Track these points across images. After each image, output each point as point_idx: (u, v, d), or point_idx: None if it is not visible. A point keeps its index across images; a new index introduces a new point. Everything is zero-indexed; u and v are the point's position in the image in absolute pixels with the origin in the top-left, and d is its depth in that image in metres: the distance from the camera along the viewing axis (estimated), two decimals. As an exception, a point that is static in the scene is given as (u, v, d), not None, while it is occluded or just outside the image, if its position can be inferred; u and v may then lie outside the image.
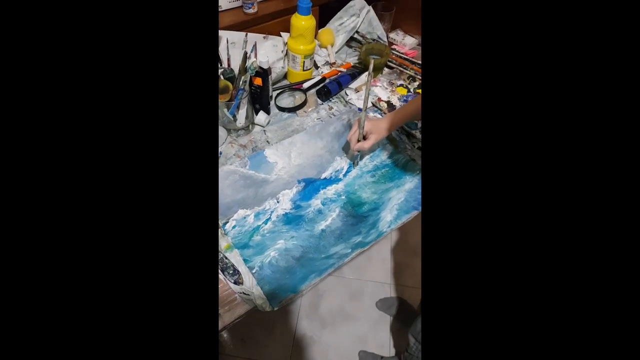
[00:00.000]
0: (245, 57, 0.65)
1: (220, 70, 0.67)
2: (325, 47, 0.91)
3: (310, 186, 0.66)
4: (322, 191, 0.65)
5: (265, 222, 0.60)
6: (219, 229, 0.59)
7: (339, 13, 0.93)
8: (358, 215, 0.63)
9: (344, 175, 0.68)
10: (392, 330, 1.16)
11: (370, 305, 1.20)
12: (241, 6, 0.78)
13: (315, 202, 0.64)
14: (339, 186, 0.66)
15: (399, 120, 0.65)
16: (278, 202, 0.63)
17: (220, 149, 0.71)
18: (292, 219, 0.61)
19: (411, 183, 0.67)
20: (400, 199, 0.65)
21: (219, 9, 0.77)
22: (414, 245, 1.37)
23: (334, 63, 0.89)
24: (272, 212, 0.62)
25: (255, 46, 0.68)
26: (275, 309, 0.51)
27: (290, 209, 0.62)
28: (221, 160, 0.69)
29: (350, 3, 0.92)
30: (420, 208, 0.64)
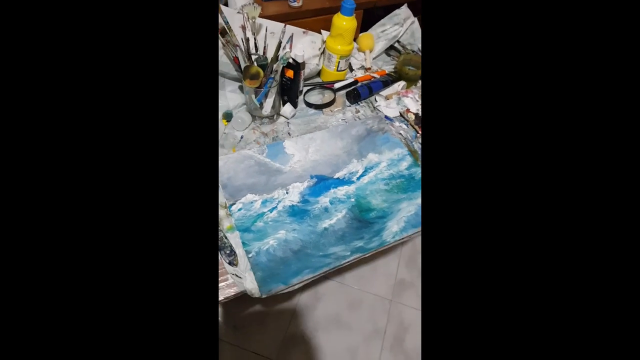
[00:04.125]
0: (278, 46, 0.66)
1: (254, 57, 0.69)
2: (363, 52, 0.90)
3: (322, 183, 0.66)
4: (332, 190, 0.65)
5: (271, 211, 0.61)
6: (225, 209, 0.60)
7: (383, 20, 0.93)
8: (364, 220, 0.62)
9: (358, 178, 0.68)
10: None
11: (366, 318, 1.17)
12: (287, -1, 0.80)
13: (324, 200, 0.63)
14: (351, 188, 0.66)
15: None
16: (287, 193, 0.63)
17: (242, 133, 0.72)
18: (297, 212, 0.61)
19: (425, 198, 0.66)
20: (410, 212, 0.63)
21: (266, -1, 0.79)
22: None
23: (369, 68, 0.89)
24: (279, 201, 0.62)
25: (291, 38, 0.69)
26: (264, 296, 0.51)
27: (298, 202, 0.62)
28: (240, 144, 0.71)
29: (396, 11, 0.92)
30: (429, 224, 0.62)
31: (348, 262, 0.57)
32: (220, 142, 0.70)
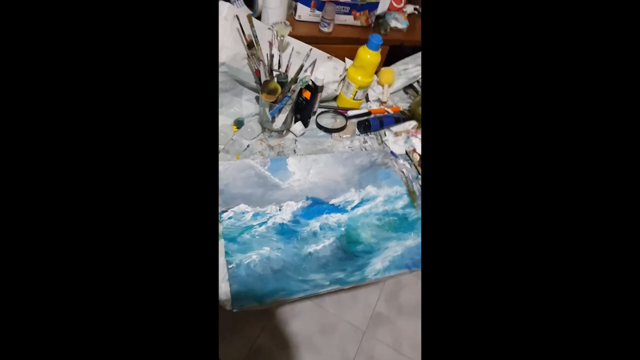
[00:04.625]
0: (300, 69, 0.68)
1: (275, 73, 0.71)
2: (382, 85, 0.92)
3: (316, 207, 0.66)
4: (325, 215, 0.65)
5: (260, 225, 0.61)
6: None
7: (407, 58, 0.95)
8: (349, 252, 0.62)
9: (352, 208, 0.68)
10: None
11: (337, 345, 1.16)
12: (319, 22, 0.82)
13: (314, 224, 0.64)
14: (343, 217, 0.66)
15: None
16: (280, 210, 0.64)
17: (249, 142, 0.74)
18: (286, 231, 0.61)
19: (413, 241, 0.66)
20: (396, 252, 0.63)
21: (298, 19, 0.81)
22: (404, 305, 1.31)
23: (385, 102, 0.90)
24: (270, 217, 0.63)
25: (314, 63, 0.71)
26: (235, 310, 0.51)
27: (289, 221, 0.63)
28: (245, 152, 0.72)
29: (420, 53, 0.94)
30: (412, 268, 0.62)
31: (325, 291, 0.57)
32: (226, 147, 0.71)
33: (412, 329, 1.24)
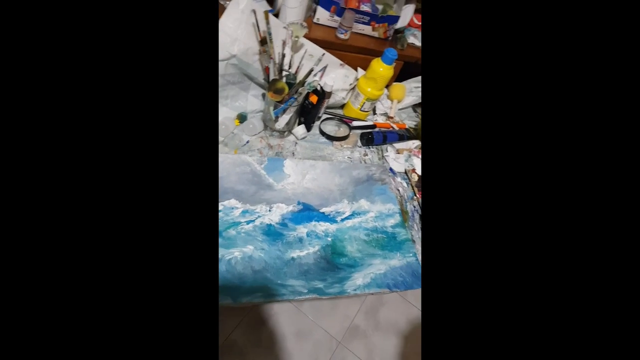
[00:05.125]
0: (309, 73, 0.67)
1: (285, 73, 0.70)
2: (392, 100, 0.92)
3: (306, 213, 0.66)
4: (313, 222, 0.65)
5: (248, 222, 0.61)
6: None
7: (419, 77, 0.95)
8: (332, 263, 0.61)
9: (342, 220, 0.68)
10: None
11: (309, 351, 1.15)
12: (336, 28, 0.82)
13: (302, 230, 0.63)
14: (332, 227, 0.66)
15: None
16: (270, 210, 0.63)
17: (249, 138, 0.73)
18: (272, 233, 0.61)
19: (399, 261, 0.65)
20: (380, 270, 0.63)
21: (317, 21, 0.81)
22: (382, 321, 1.30)
23: (392, 118, 0.90)
24: (259, 216, 0.62)
25: (324, 69, 0.70)
26: (208, 305, 0.51)
27: (276, 223, 0.62)
28: (244, 148, 0.71)
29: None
30: (393, 289, 0.61)
31: (302, 299, 0.56)
32: (226, 140, 0.71)
33: (387, 345, 1.23)
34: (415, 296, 1.39)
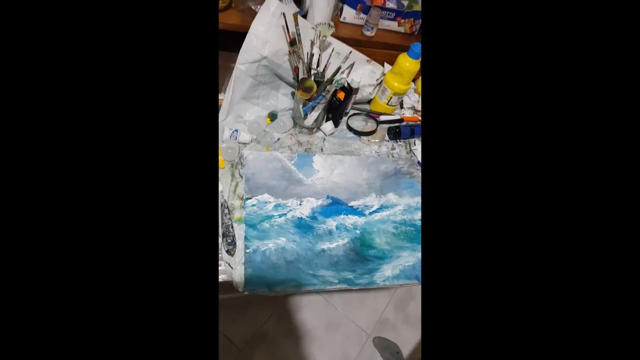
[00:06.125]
0: (337, 71, 0.69)
1: (313, 72, 0.73)
2: (419, 94, 0.92)
3: (335, 206, 0.68)
4: (342, 216, 0.67)
5: (280, 216, 0.64)
6: (241, 201, 0.63)
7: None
8: (361, 255, 0.63)
9: (371, 213, 0.69)
10: None
11: (339, 343, 1.18)
12: (362, 25, 0.83)
13: (331, 223, 0.66)
14: (360, 220, 0.67)
15: None
16: (300, 204, 0.66)
17: (280, 135, 0.76)
18: (303, 226, 0.64)
19: (427, 254, 0.66)
20: (408, 262, 0.64)
21: (343, 20, 0.82)
22: (410, 313, 1.31)
23: (419, 111, 0.90)
24: (290, 210, 0.65)
25: (352, 66, 0.72)
26: (246, 293, 0.54)
27: (307, 217, 0.65)
28: (275, 145, 0.75)
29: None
30: (421, 281, 0.62)
31: (333, 289, 0.59)
32: (258, 137, 0.74)
33: (416, 339, 1.24)
34: (445, 291, 1.38)
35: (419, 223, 0.70)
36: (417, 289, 1.37)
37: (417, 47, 0.76)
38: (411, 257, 0.65)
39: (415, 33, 0.87)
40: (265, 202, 0.65)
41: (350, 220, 0.67)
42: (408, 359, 1.17)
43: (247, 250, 0.58)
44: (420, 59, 0.77)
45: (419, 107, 0.90)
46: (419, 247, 0.67)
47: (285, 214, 0.64)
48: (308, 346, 1.15)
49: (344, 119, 0.83)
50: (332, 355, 1.15)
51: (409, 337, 1.25)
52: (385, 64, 0.86)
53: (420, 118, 0.88)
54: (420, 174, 0.78)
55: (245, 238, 0.59)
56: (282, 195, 0.67)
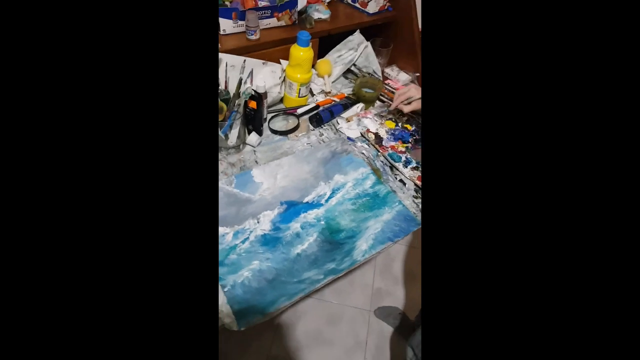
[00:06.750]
0: (240, 83, 0.68)
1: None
2: (322, 77, 0.95)
3: (292, 209, 0.68)
4: (302, 215, 0.67)
5: (243, 242, 0.62)
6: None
7: (338, 46, 0.98)
8: (334, 241, 0.64)
9: (326, 200, 0.71)
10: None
11: (347, 331, 1.19)
12: (244, 32, 0.83)
13: (295, 226, 0.65)
14: (320, 211, 0.68)
15: None
16: (258, 222, 0.65)
17: (209, 165, 0.74)
18: (269, 241, 0.63)
19: (389, 214, 0.70)
20: (377, 229, 0.67)
21: (223, 33, 0.81)
22: (397, 273, 1.37)
23: (329, 92, 0.93)
24: (251, 232, 0.63)
25: (251, 73, 0.71)
26: (242, 329, 0.52)
27: (269, 230, 0.64)
28: (209, 176, 0.72)
29: (349, 37, 0.97)
30: (394, 239, 0.66)
31: (322, 285, 0.59)
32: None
33: (412, 293, 1.31)
34: (417, 239, 1.47)
35: (371, 191, 0.73)
36: (395, 250, 1.44)
37: (303, 34, 0.78)
38: (377, 223, 0.68)
39: (296, 22, 0.90)
40: (223, 235, 0.62)
41: (311, 215, 0.68)
42: (411, 314, 1.23)
43: (225, 289, 0.55)
44: (310, 44, 0.80)
45: (328, 89, 0.93)
46: (380, 211, 0.70)
47: (248, 237, 0.63)
48: (320, 348, 1.15)
49: (265, 125, 0.83)
50: (345, 345, 1.16)
51: (403, 295, 1.31)
52: (281, 60, 0.87)
53: (333, 99, 0.91)
54: (353, 147, 0.82)
55: (219, 278, 0.57)
56: (236, 221, 0.65)
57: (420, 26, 0.98)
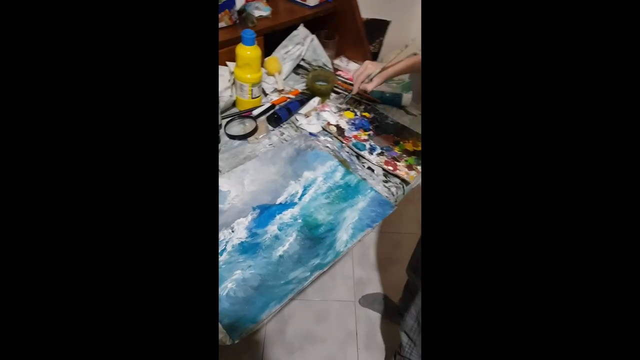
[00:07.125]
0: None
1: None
2: (273, 75, 0.93)
3: (266, 212, 0.66)
4: (278, 216, 0.66)
5: (221, 254, 0.59)
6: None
7: (284, 42, 0.97)
8: (315, 237, 0.63)
9: (299, 198, 0.69)
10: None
11: (336, 326, 1.19)
12: (185, 37, 0.79)
13: (272, 228, 0.64)
14: (295, 210, 0.67)
15: (390, 74, 0.78)
16: (233, 231, 0.62)
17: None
18: (248, 248, 0.60)
19: (364, 202, 0.70)
20: (354, 218, 0.67)
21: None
22: (375, 259, 1.40)
23: (283, 90, 0.92)
24: (227, 242, 0.61)
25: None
26: (236, 342, 0.50)
27: (246, 238, 0.62)
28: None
29: (294, 32, 0.96)
30: (372, 225, 0.66)
31: (310, 282, 0.58)
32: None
33: (391, 276, 1.34)
34: (387, 225, 1.50)
35: (342, 182, 0.73)
36: (368, 239, 1.46)
37: (247, 33, 0.76)
38: (354, 212, 0.68)
39: (237, 22, 0.87)
40: (198, 251, 0.59)
41: (287, 215, 0.66)
42: (394, 296, 1.27)
43: (211, 306, 0.52)
44: (255, 43, 0.78)
45: (280, 86, 0.92)
46: (354, 200, 0.70)
47: (225, 249, 0.60)
48: (313, 347, 1.14)
49: (221, 131, 0.80)
50: (337, 339, 1.16)
51: (384, 279, 1.34)
52: (227, 62, 0.84)
53: (287, 96, 0.90)
54: (317, 142, 0.81)
55: (201, 296, 0.53)
56: (210, 233, 0.61)
57: (361, 14, 1.00)
